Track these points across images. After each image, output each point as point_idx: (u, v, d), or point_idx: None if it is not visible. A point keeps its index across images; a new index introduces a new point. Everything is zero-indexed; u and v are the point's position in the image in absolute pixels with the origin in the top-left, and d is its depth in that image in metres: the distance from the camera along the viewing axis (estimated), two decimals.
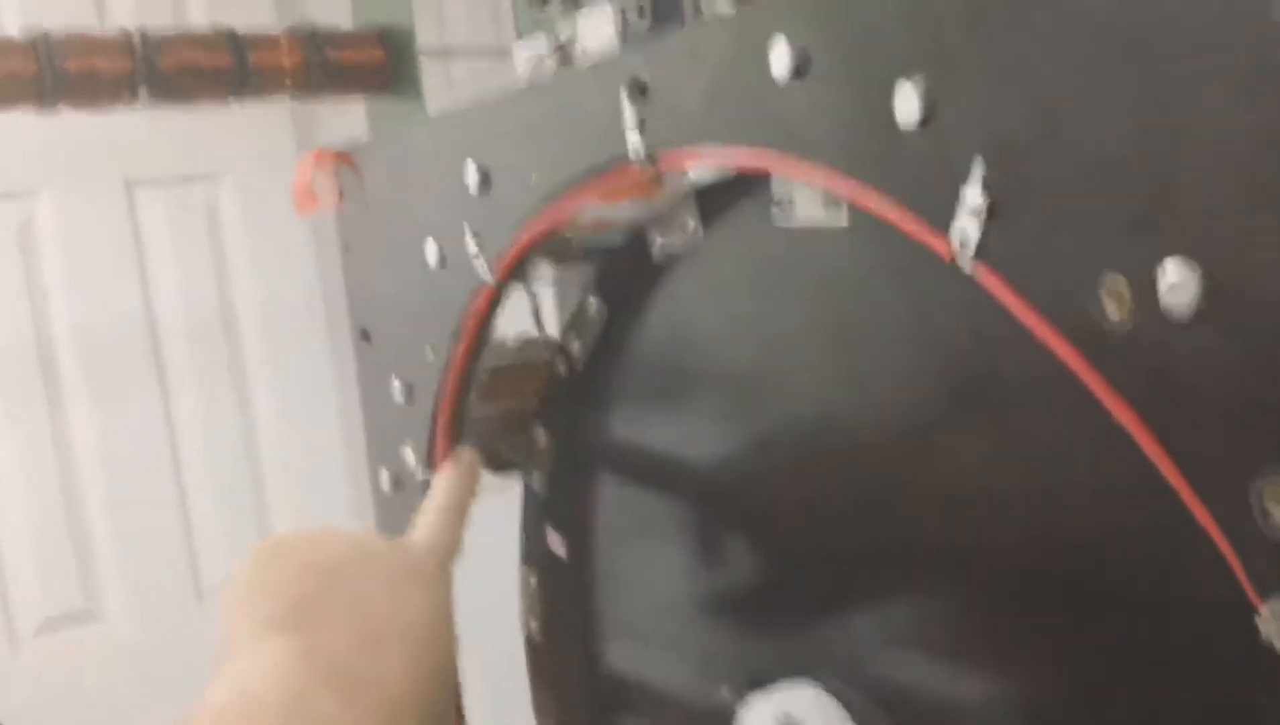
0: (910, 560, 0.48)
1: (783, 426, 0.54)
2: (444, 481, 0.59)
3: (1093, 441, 0.37)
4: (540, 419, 0.67)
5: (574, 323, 0.63)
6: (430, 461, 0.67)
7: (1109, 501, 0.39)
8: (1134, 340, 0.33)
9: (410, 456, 0.68)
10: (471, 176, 0.59)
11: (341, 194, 0.71)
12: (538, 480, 0.68)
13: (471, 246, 0.60)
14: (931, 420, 0.46)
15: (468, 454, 0.61)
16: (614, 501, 0.65)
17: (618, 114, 0.50)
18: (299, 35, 1.23)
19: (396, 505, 0.70)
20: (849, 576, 0.52)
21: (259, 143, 1.74)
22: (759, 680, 0.55)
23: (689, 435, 0.59)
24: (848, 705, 0.51)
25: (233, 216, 1.80)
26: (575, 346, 0.64)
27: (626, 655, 0.66)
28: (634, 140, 0.50)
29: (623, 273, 0.60)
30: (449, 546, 0.56)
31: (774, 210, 0.50)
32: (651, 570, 0.63)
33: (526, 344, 0.68)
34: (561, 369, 0.65)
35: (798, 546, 0.54)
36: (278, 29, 1.26)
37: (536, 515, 0.69)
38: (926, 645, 0.49)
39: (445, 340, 0.64)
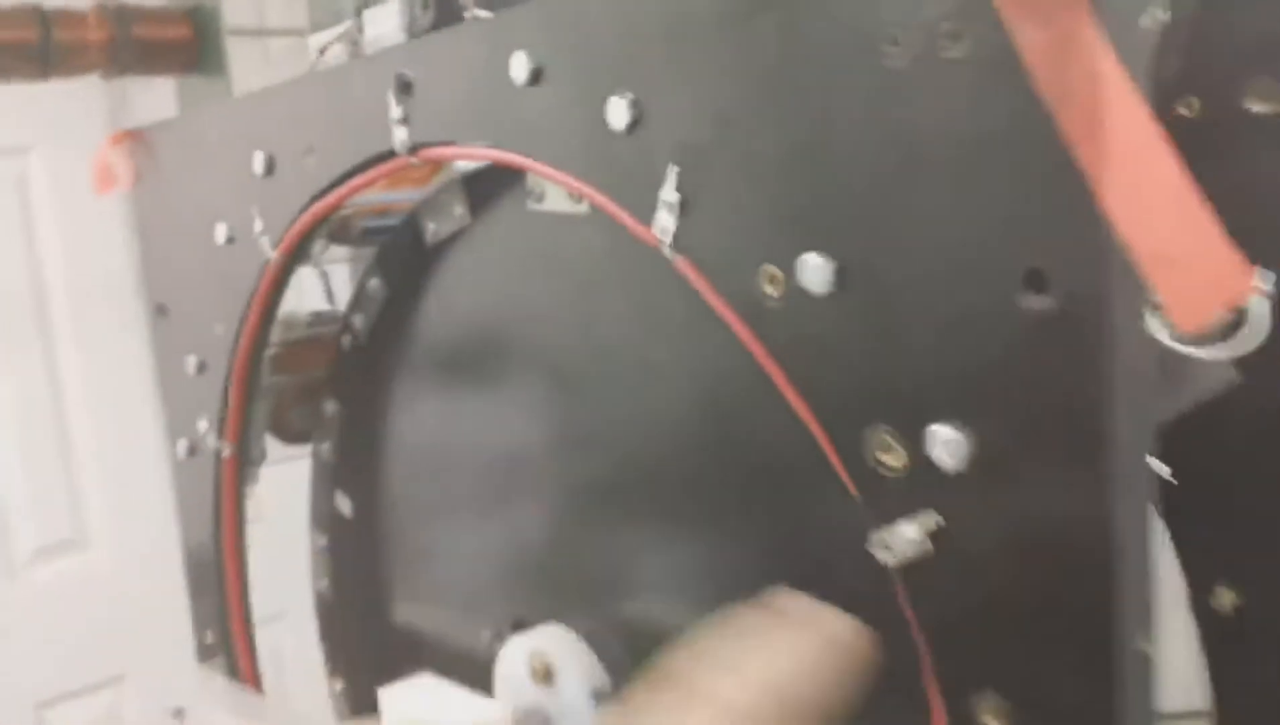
0: (629, 513, 0.55)
1: (539, 393, 0.59)
2: None
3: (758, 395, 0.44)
4: (329, 389, 0.72)
5: (357, 300, 0.68)
6: (222, 431, 0.71)
7: (773, 444, 0.46)
8: (784, 314, 0.40)
9: (203, 426, 0.72)
10: (258, 162, 0.63)
11: (137, 174, 0.75)
12: (326, 448, 0.73)
13: (258, 226, 0.64)
14: (650, 378, 0.52)
15: None
16: (396, 466, 0.70)
17: (386, 108, 0.55)
18: (107, 11, 1.23)
19: (192, 472, 0.74)
20: (590, 530, 0.58)
21: (70, 118, 1.73)
22: (518, 625, 0.61)
23: (462, 403, 0.65)
24: (588, 639, 0.57)
25: (42, 190, 1.80)
26: (358, 321, 0.68)
27: (408, 608, 0.71)
28: (400, 134, 0.55)
29: (400, 254, 0.65)
30: None
31: (528, 199, 0.56)
32: (428, 529, 0.69)
33: (315, 319, 0.72)
34: (346, 343, 0.70)
35: (549, 503, 0.60)
36: (87, 4, 1.26)
37: (325, 480, 0.74)
38: (640, 585, 0.56)
39: (235, 315, 0.68)
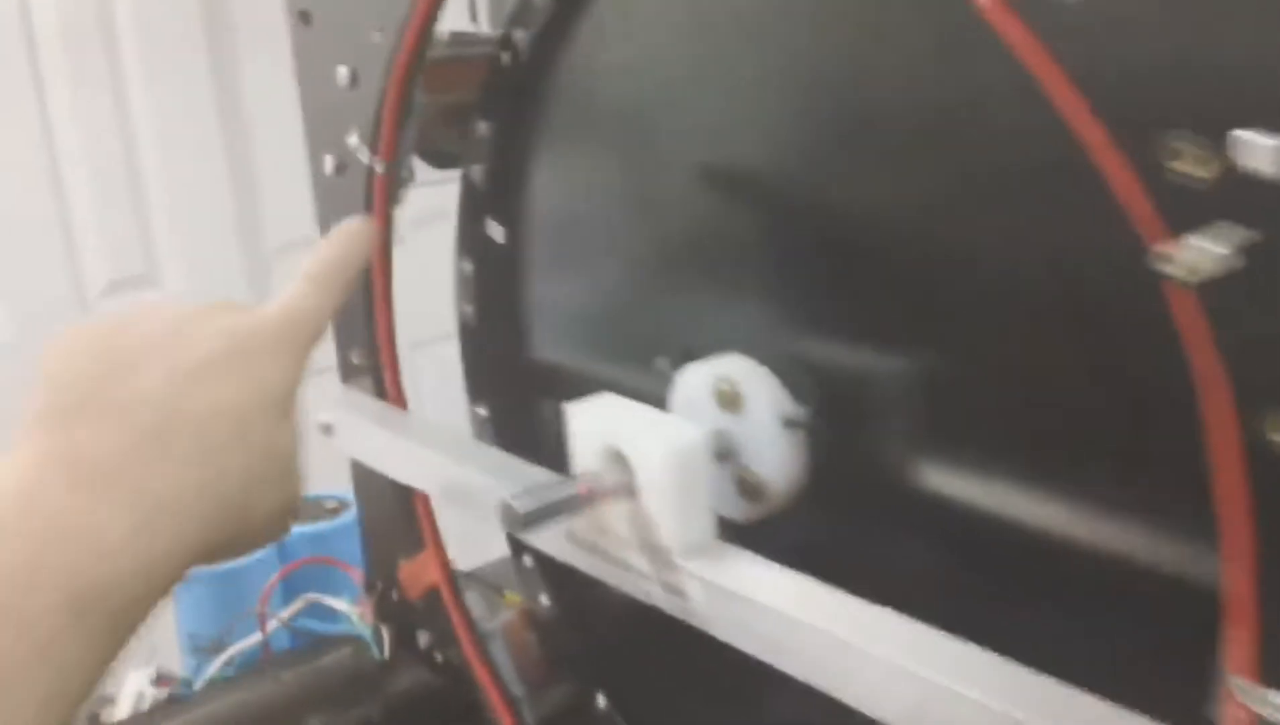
0: (835, 245, 0.53)
1: (729, 121, 0.57)
2: (321, 250, 0.53)
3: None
4: (481, 110, 0.69)
5: (520, 12, 0.65)
6: (375, 146, 0.69)
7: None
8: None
9: (354, 141, 0.70)
10: None
11: None
12: (477, 172, 0.71)
13: None
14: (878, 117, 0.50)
15: (356, 222, 0.56)
16: (552, 193, 0.68)
17: None
18: None
19: (340, 190, 0.72)
20: (778, 257, 0.56)
21: None
22: (692, 354, 0.60)
23: (634, 134, 0.62)
24: (778, 372, 0.57)
25: None
26: (520, 37, 0.65)
27: (561, 337, 0.71)
28: None
29: None
30: (306, 316, 0.50)
31: None
32: (587, 257, 0.67)
33: (456, 39, 0.69)
34: (505, 59, 0.67)
35: (728, 230, 0.59)
36: None
37: (474, 206, 0.72)
38: (847, 323, 0.55)
39: (395, 23, 0.64)
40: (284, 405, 0.46)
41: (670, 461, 0.52)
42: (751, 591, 0.50)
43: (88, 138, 1.79)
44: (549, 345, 0.71)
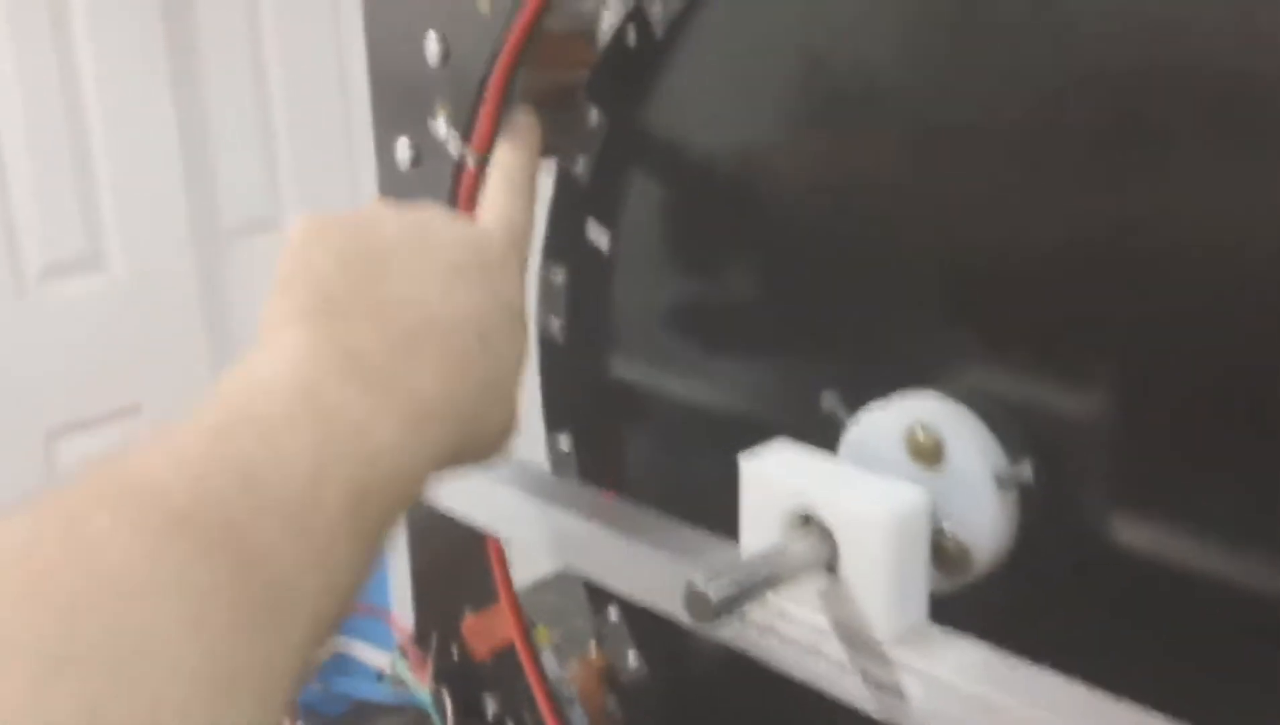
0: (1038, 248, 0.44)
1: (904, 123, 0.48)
2: (507, 155, 0.55)
3: None
4: (593, 94, 0.59)
5: None
6: (468, 133, 0.58)
7: None
8: None
9: (442, 126, 0.59)
10: None
11: None
12: (582, 165, 0.61)
13: None
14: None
15: (524, 119, 0.56)
16: (676, 192, 0.59)
17: None
18: None
19: (415, 183, 0.62)
20: (986, 272, 0.47)
21: None
22: (866, 391, 0.51)
23: (781, 125, 0.53)
24: (987, 419, 0.48)
25: None
26: (655, 9, 0.55)
27: (676, 360, 0.61)
28: None
29: None
30: (521, 227, 0.52)
31: None
32: (716, 264, 0.58)
33: (579, 5, 0.59)
34: (631, 37, 0.57)
35: (916, 235, 0.50)
36: None
37: (574, 204, 0.62)
38: (1063, 358, 0.46)
39: None
40: (519, 317, 0.47)
41: (889, 531, 0.43)
42: (986, 688, 0.41)
43: (27, 103, 1.64)
44: (658, 369, 0.62)
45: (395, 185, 0.63)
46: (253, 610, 0.31)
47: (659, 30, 0.55)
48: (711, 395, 0.59)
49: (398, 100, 0.62)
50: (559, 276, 0.64)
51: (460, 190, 0.59)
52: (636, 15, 0.56)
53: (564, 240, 0.63)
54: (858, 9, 0.49)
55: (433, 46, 0.58)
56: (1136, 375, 0.43)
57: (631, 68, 0.57)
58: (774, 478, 0.46)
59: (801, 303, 0.54)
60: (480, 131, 0.57)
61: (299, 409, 0.36)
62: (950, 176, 0.47)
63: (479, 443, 0.45)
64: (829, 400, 0.52)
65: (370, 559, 0.37)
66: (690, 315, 0.60)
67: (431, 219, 0.47)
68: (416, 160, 0.61)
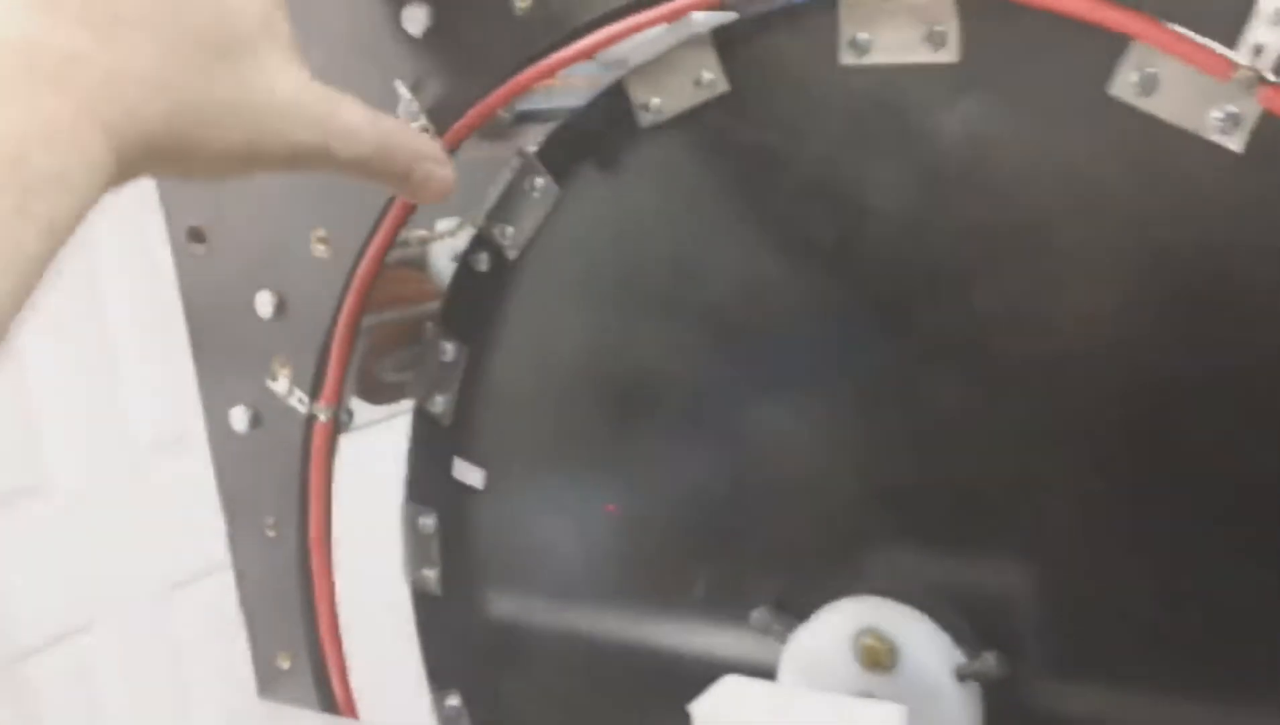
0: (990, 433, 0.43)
1: (830, 302, 0.47)
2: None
3: None
4: (447, 327, 0.56)
5: (506, 205, 0.52)
6: (317, 389, 0.53)
7: None
8: None
9: (281, 386, 0.54)
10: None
11: None
12: (441, 403, 0.56)
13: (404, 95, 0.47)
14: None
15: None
16: (553, 414, 0.55)
17: None
18: None
19: (255, 450, 0.56)
20: (919, 466, 0.46)
21: None
22: (794, 603, 0.48)
23: (673, 323, 0.51)
24: (934, 615, 0.45)
25: None
26: (506, 234, 0.53)
27: (572, 594, 0.56)
28: None
29: (588, 143, 0.50)
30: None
31: (842, 49, 0.43)
32: (613, 487, 0.54)
33: (413, 234, 0.56)
34: (482, 263, 0.54)
35: (832, 432, 0.48)
36: None
37: (438, 445, 0.57)
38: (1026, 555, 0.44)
39: (351, 227, 0.50)
40: None
41: None
42: None
43: None
44: (556, 608, 0.57)
45: (233, 456, 0.57)
46: None
47: (511, 252, 0.53)
48: (622, 625, 0.54)
49: (226, 366, 0.56)
50: (428, 522, 0.58)
51: (314, 446, 0.54)
52: (485, 241, 0.53)
53: (429, 483, 0.58)
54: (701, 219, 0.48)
55: (265, 300, 0.53)
56: (1086, 546, 0.42)
57: (485, 293, 0.54)
58: (729, 720, 0.42)
59: (715, 516, 0.51)
60: (329, 383, 0.53)
61: None
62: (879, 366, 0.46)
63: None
64: (760, 618, 0.48)
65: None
66: (586, 544, 0.55)
67: None
68: (255, 423, 0.56)
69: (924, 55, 0.41)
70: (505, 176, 0.52)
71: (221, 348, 0.56)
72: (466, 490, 0.57)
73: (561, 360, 0.54)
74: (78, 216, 0.33)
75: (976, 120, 0.41)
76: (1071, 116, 0.39)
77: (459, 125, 0.47)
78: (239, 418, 0.56)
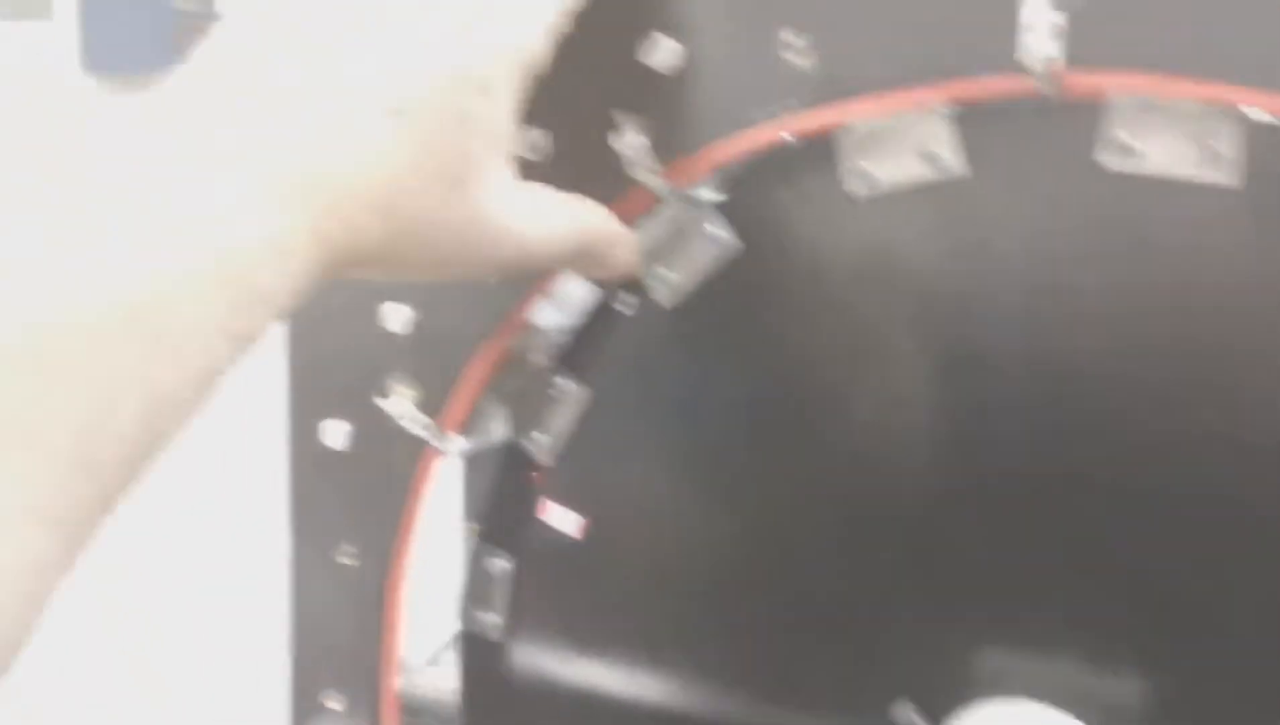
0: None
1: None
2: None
3: None
4: (570, 366, 0.52)
5: (672, 246, 0.50)
6: (437, 413, 0.49)
7: None
8: None
9: (398, 403, 0.50)
10: None
11: None
12: (544, 442, 0.53)
13: None
14: None
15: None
16: (671, 475, 0.52)
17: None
18: None
19: (355, 467, 0.51)
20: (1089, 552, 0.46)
21: None
22: (939, 700, 0.47)
23: (819, 418, 0.49)
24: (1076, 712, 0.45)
25: None
26: (667, 279, 0.50)
27: (670, 673, 0.53)
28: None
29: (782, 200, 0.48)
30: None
31: (1102, 154, 0.42)
32: (722, 561, 0.52)
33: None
34: (629, 306, 0.51)
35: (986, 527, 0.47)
36: None
37: (530, 485, 0.54)
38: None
39: None
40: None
41: None
42: None
43: None
44: (633, 677, 0.54)
45: (319, 467, 0.52)
46: None
47: (667, 300, 0.50)
48: (711, 710, 0.52)
49: (330, 372, 0.51)
50: (502, 564, 0.55)
51: (420, 474, 0.50)
52: (637, 282, 0.50)
53: (509, 523, 0.54)
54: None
55: (398, 313, 0.49)
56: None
57: (626, 337, 0.51)
58: None
59: (854, 598, 0.50)
60: (456, 411, 0.49)
61: None
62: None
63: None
64: (902, 716, 0.47)
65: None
66: (683, 612, 0.53)
67: None
68: (356, 440, 0.51)
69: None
70: (679, 216, 0.49)
71: (329, 355, 0.51)
72: (551, 537, 0.54)
73: (695, 422, 0.51)
74: (267, 328, 0.33)
75: None
76: None
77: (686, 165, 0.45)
78: (335, 433, 0.51)
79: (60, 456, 0.27)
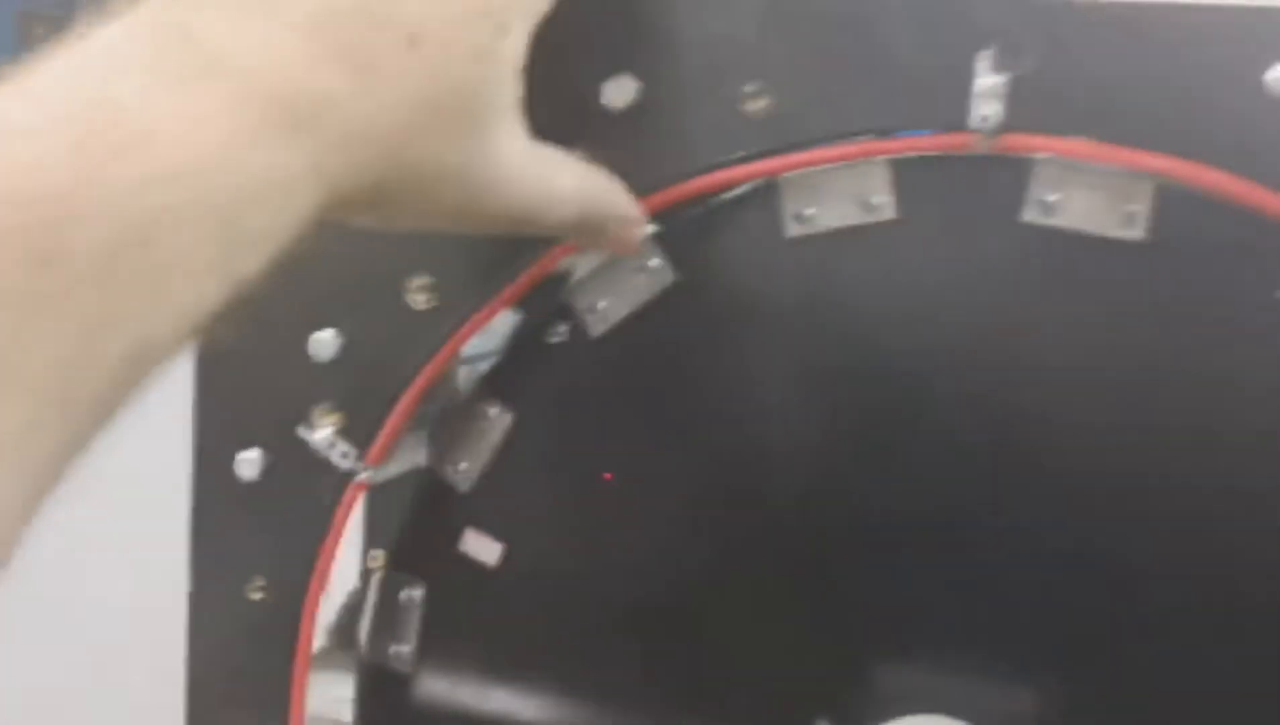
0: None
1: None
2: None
3: None
4: (494, 391, 0.52)
5: (605, 277, 0.50)
6: (365, 444, 0.48)
7: None
8: None
9: (323, 434, 0.48)
10: None
11: None
12: (463, 469, 0.52)
13: None
14: None
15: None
16: (598, 503, 0.52)
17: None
18: None
19: (269, 499, 0.49)
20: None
21: None
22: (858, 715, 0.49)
23: (760, 446, 0.51)
24: None
25: None
26: (596, 308, 0.50)
27: (591, 699, 0.53)
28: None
29: (724, 235, 0.49)
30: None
31: (1028, 209, 0.45)
32: (647, 581, 0.52)
33: None
34: (558, 334, 0.51)
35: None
36: None
37: (446, 513, 0.53)
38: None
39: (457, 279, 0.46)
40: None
41: None
42: None
43: None
44: (555, 705, 0.54)
45: (227, 500, 0.49)
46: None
47: (596, 329, 0.50)
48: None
49: (245, 402, 0.49)
50: (413, 594, 0.53)
51: (341, 506, 0.48)
52: (568, 312, 0.50)
53: (422, 552, 0.53)
54: None
55: (327, 340, 0.47)
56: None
57: (552, 365, 0.51)
58: None
59: (779, 612, 0.51)
60: (382, 443, 0.48)
61: None
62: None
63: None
64: None
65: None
66: (606, 638, 0.53)
67: None
68: (270, 471, 0.49)
69: None
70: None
71: (245, 384, 0.48)
72: (467, 566, 0.53)
73: (623, 452, 0.52)
74: (261, 270, 0.31)
75: None
76: None
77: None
78: (249, 464, 0.48)
79: (36, 392, 0.26)
